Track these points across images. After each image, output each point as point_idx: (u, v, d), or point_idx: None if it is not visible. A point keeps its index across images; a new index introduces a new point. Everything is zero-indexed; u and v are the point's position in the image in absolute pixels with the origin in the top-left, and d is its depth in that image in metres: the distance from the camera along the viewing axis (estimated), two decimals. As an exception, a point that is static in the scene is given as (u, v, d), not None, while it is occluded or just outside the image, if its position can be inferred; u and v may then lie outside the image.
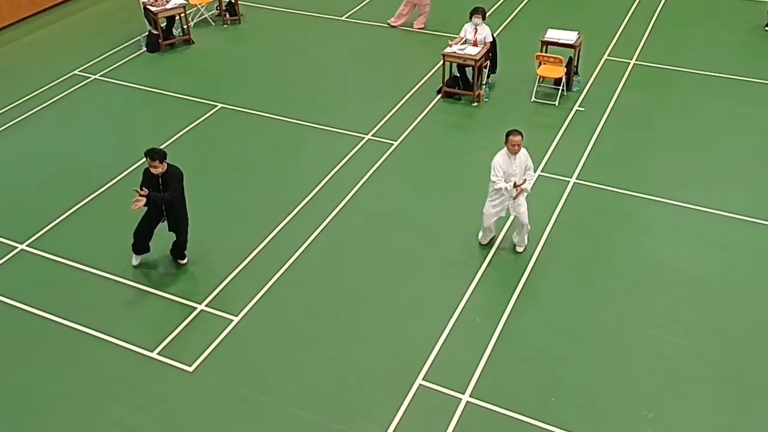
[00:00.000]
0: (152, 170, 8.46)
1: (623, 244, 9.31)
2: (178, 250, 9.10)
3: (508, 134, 8.51)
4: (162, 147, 11.39)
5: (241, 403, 7.46)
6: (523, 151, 8.61)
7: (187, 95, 12.99)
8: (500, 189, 8.61)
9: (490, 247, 9.29)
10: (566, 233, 9.51)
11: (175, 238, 9.01)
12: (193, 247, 9.32)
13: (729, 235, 9.43)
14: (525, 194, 8.77)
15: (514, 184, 8.62)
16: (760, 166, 10.69)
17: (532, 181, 8.80)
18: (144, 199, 8.34)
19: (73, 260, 9.31)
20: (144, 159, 8.49)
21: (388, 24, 15.16)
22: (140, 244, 9.02)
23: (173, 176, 8.58)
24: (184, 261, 9.17)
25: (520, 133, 8.49)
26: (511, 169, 8.58)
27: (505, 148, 8.56)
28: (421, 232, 9.62)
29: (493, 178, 8.61)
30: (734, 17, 15.14)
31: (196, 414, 7.37)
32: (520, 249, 9.17)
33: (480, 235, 9.27)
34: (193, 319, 8.42)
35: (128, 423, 7.30)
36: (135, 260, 9.13)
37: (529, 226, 9.00)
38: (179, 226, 8.87)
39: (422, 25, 15.09)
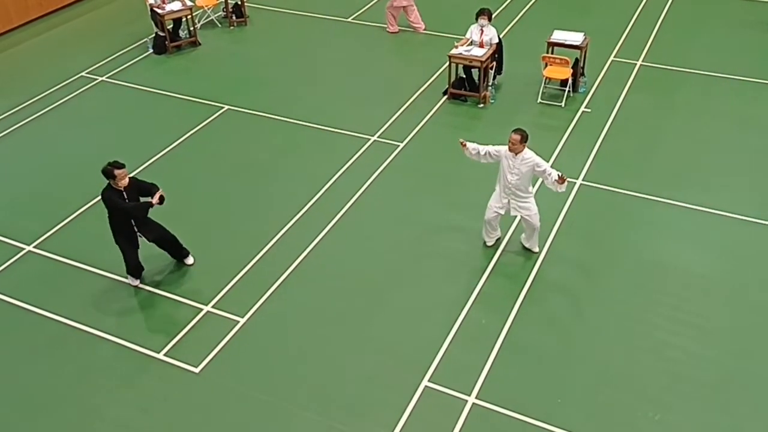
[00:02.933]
0: (120, 182, 8.14)
1: (629, 245, 9.29)
2: (176, 249, 9.01)
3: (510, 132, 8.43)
4: (168, 149, 11.55)
5: (247, 404, 7.48)
6: (529, 156, 8.42)
7: (194, 97, 13.03)
8: (474, 149, 8.77)
9: (496, 249, 9.28)
10: (572, 235, 9.49)
11: (161, 244, 8.90)
12: (200, 248, 9.36)
13: (736, 236, 9.40)
14: (563, 178, 8.37)
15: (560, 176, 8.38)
16: (767, 167, 10.65)
17: (552, 175, 8.41)
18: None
19: (80, 261, 9.35)
20: (111, 179, 8.18)
21: (388, 32, 15.14)
22: (137, 266, 8.80)
23: (137, 183, 8.41)
24: (191, 262, 9.18)
25: (520, 133, 8.32)
26: (511, 168, 8.50)
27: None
28: (427, 234, 9.61)
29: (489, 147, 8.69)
30: (741, 18, 15.08)
31: (202, 415, 7.39)
32: (536, 249, 9.16)
33: (483, 232, 9.23)
34: (199, 320, 8.44)
35: (134, 424, 7.32)
36: (134, 281, 8.92)
37: (539, 229, 8.97)
38: (154, 229, 8.70)
39: (422, 24, 15.03)
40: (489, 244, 9.26)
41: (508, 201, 8.77)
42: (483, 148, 8.79)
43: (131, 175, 8.48)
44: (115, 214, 8.37)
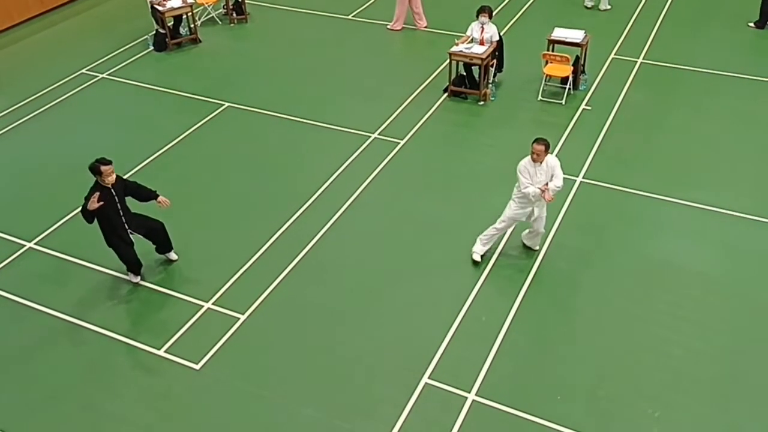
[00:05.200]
0: (107, 179, 8.09)
1: (630, 243, 9.29)
2: (165, 239, 8.95)
3: (532, 142, 8.27)
4: (169, 146, 11.55)
5: (248, 400, 7.49)
6: (550, 159, 8.36)
7: (194, 94, 13.03)
8: (528, 193, 8.34)
9: (497, 246, 9.27)
10: (573, 232, 9.49)
11: (152, 235, 8.89)
12: (200, 245, 9.38)
13: (736, 234, 9.40)
14: (550, 195, 8.35)
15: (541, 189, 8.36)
16: (767, 165, 10.64)
17: (557, 185, 8.37)
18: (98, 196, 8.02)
19: (80, 258, 9.36)
20: (99, 175, 8.11)
21: (388, 29, 15.13)
22: (136, 263, 8.78)
23: (124, 180, 8.43)
24: (175, 258, 9.18)
25: (544, 143, 8.22)
26: (535, 176, 8.35)
27: (529, 156, 8.35)
28: (428, 231, 9.62)
29: (523, 182, 8.32)
30: (742, 15, 15.05)
31: (203, 411, 7.40)
32: (536, 248, 9.16)
33: (484, 241, 8.93)
34: (200, 317, 8.45)
35: (135, 420, 7.34)
36: (135, 278, 8.92)
37: (543, 232, 8.97)
38: (143, 222, 8.68)
39: (424, 20, 15.04)
40: (477, 259, 9.03)
41: (532, 208, 8.65)
42: (528, 191, 8.38)
43: (127, 175, 8.48)
44: (97, 214, 8.24)
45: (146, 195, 8.66)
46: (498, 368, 7.70)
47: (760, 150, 10.97)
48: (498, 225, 8.81)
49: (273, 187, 10.60)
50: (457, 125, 11.94)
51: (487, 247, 9.04)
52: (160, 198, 8.68)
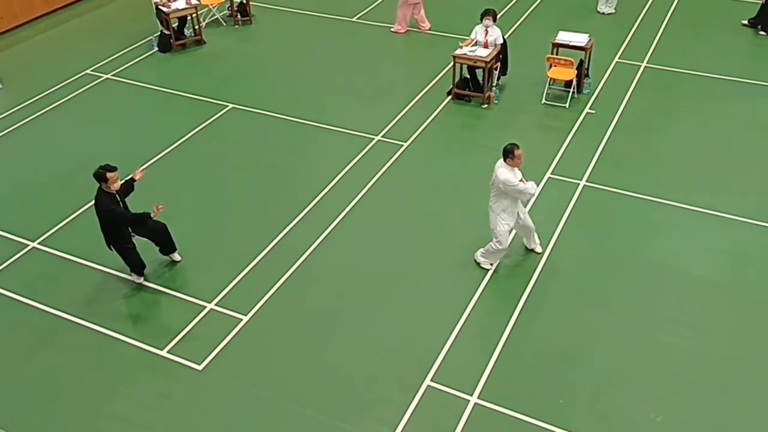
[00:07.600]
0: (113, 186, 8.15)
1: (632, 246, 9.29)
2: (168, 240, 8.97)
3: (514, 149, 8.22)
4: (173, 147, 11.58)
5: (250, 401, 7.49)
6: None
7: (198, 95, 13.05)
8: (531, 192, 8.35)
9: (499, 249, 9.28)
10: (575, 236, 9.50)
11: (155, 237, 8.92)
12: (203, 246, 9.39)
13: (738, 238, 9.40)
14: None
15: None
16: (770, 169, 10.67)
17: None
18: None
19: (84, 258, 9.37)
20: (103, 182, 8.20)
21: (392, 31, 15.14)
22: (140, 265, 8.79)
23: (127, 186, 8.54)
24: (179, 259, 9.20)
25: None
26: (516, 177, 8.40)
27: (509, 164, 8.28)
28: (431, 233, 9.62)
29: (522, 186, 8.25)
30: (745, 20, 15.07)
31: (205, 412, 7.41)
32: (539, 249, 9.16)
33: (492, 257, 8.92)
34: (202, 318, 8.46)
35: (136, 420, 7.35)
36: (138, 279, 8.91)
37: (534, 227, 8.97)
38: (145, 225, 8.68)
39: (427, 23, 15.05)
40: (487, 267, 9.08)
41: (517, 212, 8.71)
42: (530, 190, 8.43)
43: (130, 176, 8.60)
44: (114, 223, 8.33)
45: (126, 188, 8.65)
46: (500, 371, 7.70)
47: (763, 154, 10.96)
48: (500, 246, 8.69)
49: (276, 188, 10.61)
50: (461, 128, 11.95)
51: (492, 262, 9.03)
52: (136, 176, 8.73)
